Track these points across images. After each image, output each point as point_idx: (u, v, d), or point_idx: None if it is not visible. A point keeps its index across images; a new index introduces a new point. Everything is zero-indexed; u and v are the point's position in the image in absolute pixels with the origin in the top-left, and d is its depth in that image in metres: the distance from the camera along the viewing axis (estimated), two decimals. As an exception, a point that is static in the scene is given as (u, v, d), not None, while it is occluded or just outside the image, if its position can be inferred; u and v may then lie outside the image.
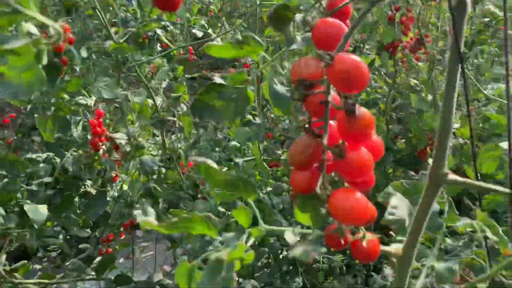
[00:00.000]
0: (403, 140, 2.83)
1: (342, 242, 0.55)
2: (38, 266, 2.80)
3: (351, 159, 0.50)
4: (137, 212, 1.50)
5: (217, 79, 0.73)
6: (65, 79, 1.53)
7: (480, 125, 2.61)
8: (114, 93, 1.36)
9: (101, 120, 1.73)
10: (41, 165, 2.09)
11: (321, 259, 1.99)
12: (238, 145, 1.87)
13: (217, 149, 1.80)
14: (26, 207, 1.44)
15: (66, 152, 2.15)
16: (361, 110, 0.49)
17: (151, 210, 1.43)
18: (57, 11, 2.48)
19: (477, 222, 0.72)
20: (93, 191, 1.97)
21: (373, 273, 1.99)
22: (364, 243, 0.56)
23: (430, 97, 2.74)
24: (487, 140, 2.67)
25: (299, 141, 0.54)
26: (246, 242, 0.64)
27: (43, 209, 1.47)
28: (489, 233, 0.64)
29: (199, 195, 1.81)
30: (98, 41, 1.51)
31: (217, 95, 0.71)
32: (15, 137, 2.60)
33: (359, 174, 0.51)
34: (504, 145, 1.65)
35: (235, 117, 0.72)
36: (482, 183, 0.54)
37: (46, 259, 2.81)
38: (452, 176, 0.54)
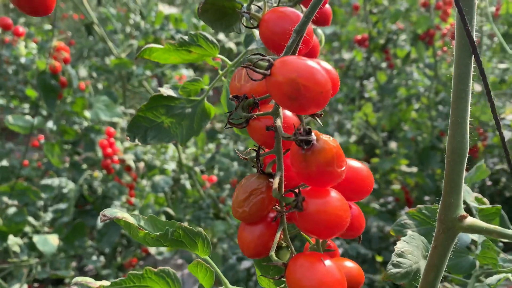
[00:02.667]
0: (451, 137, 2.56)
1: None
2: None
3: (312, 212, 0.34)
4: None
5: (166, 90, 0.59)
6: (67, 101, 1.45)
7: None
8: (114, 113, 1.25)
9: (112, 140, 1.65)
10: (69, 187, 2.05)
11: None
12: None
13: (235, 163, 1.66)
14: (34, 238, 1.37)
15: (95, 173, 2.09)
16: (321, 139, 0.33)
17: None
18: (77, 30, 2.44)
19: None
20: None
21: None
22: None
23: (477, 87, 2.45)
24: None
25: (244, 183, 0.38)
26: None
27: (53, 240, 1.39)
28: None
29: (221, 214, 1.68)
30: (99, 58, 1.42)
31: (165, 111, 0.57)
32: (45, 160, 2.59)
33: (326, 231, 0.35)
34: None
35: (189, 137, 0.57)
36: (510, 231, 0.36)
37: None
38: (470, 221, 0.37)
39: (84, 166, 2.19)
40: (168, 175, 1.74)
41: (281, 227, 0.37)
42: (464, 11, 0.36)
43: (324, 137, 0.33)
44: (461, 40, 0.37)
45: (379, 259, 2.21)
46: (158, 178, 1.52)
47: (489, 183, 2.65)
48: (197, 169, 1.63)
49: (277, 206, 0.36)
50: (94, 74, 1.42)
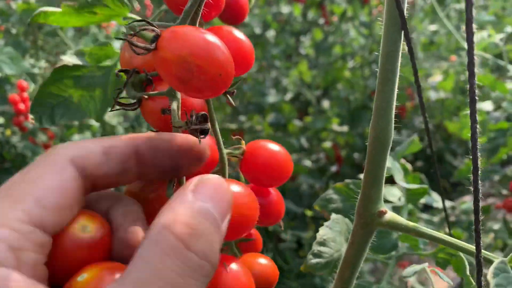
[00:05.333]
0: (381, 96, 2.62)
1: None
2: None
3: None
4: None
5: (69, 58, 0.51)
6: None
7: (463, 78, 2.41)
8: (21, 67, 1.11)
9: (25, 95, 1.49)
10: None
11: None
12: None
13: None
14: None
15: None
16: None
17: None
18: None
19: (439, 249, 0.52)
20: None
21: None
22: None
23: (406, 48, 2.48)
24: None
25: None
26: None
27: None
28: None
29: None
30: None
31: (72, 82, 0.48)
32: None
33: (236, 232, 0.30)
34: (487, 106, 1.45)
35: (105, 110, 0.50)
36: (431, 232, 0.33)
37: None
38: (389, 217, 0.34)
39: (1, 121, 2.00)
40: (87, 135, 1.62)
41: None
42: (396, -21, 0.31)
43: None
44: (391, 13, 0.32)
45: (309, 213, 2.25)
46: (77, 137, 1.40)
47: (414, 141, 2.77)
48: (120, 127, 1.53)
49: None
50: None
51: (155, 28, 0.25)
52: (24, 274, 0.23)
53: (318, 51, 2.35)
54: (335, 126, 2.35)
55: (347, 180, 0.64)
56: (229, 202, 0.26)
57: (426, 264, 0.43)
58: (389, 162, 0.68)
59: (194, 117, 0.26)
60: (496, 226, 1.25)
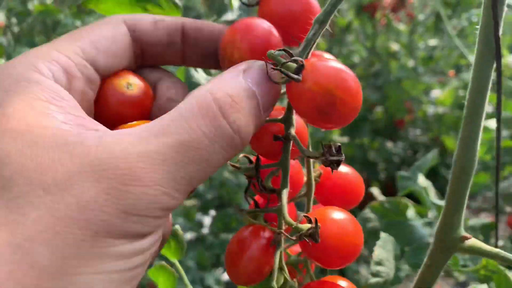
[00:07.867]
0: (380, 108, 2.65)
1: None
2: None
3: (328, 241, 0.29)
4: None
5: None
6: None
7: (462, 93, 2.45)
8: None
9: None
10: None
11: None
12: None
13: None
14: None
15: None
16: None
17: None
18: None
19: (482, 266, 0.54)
20: None
21: None
22: None
23: (411, 62, 2.54)
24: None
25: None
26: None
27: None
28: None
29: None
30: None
31: None
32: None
33: (340, 262, 0.31)
34: (493, 124, 1.48)
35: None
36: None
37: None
38: (471, 242, 0.35)
39: None
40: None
41: (278, 250, 0.32)
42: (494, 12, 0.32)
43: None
44: (485, 45, 0.34)
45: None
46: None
47: (409, 153, 2.81)
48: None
49: (280, 230, 0.31)
50: (14, 20, 1.24)
51: (299, 59, 0.26)
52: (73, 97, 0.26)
53: (322, 61, 2.37)
54: (335, 136, 2.38)
55: (382, 200, 0.67)
56: (275, 97, 0.27)
57: (485, 285, 0.44)
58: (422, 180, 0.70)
59: (333, 148, 0.26)
60: (501, 243, 1.27)
